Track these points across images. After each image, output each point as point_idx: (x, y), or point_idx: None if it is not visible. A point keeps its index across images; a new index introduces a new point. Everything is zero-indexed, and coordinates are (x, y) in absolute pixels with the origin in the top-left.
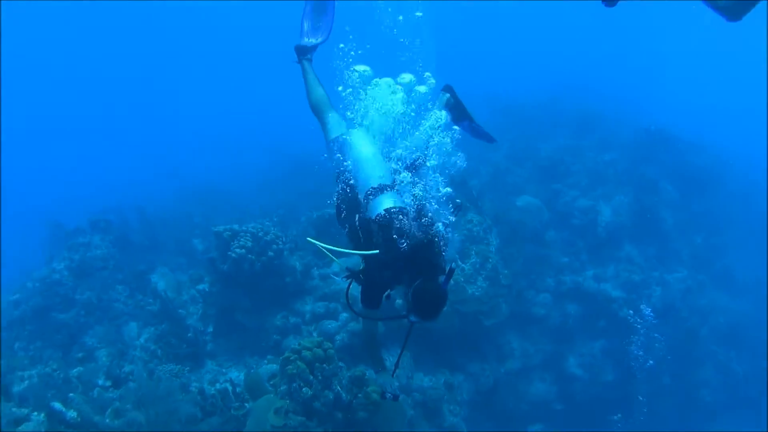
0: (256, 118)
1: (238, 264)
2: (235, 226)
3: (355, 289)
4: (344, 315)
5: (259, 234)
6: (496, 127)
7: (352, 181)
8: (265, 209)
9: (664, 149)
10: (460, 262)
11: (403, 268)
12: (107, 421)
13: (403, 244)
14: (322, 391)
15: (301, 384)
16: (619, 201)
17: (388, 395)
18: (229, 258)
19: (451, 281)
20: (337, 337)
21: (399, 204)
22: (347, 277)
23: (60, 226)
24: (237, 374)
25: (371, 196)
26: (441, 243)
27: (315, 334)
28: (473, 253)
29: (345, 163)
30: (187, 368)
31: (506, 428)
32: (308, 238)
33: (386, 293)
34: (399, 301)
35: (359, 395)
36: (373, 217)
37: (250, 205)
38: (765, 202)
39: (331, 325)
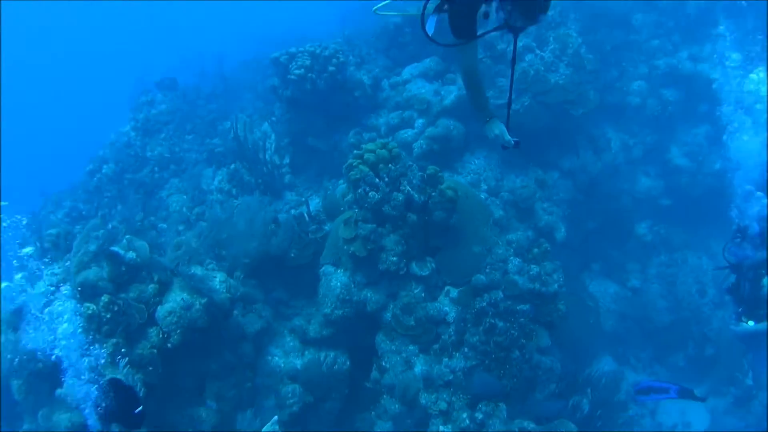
0: None
1: (299, 85)
2: (292, 49)
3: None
4: (420, 121)
5: (317, 51)
6: None
7: None
8: (331, 34)
9: None
10: None
11: None
12: (166, 256)
13: None
14: (390, 194)
15: (367, 188)
16: None
17: (510, 142)
18: (289, 82)
19: (531, 70)
20: (415, 145)
21: None
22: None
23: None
24: (318, 201)
25: None
26: None
27: None
28: (551, 38)
29: None
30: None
31: (611, 227)
32: (374, 9)
33: (482, 11)
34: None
35: (433, 194)
36: None
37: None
38: None
39: (407, 133)
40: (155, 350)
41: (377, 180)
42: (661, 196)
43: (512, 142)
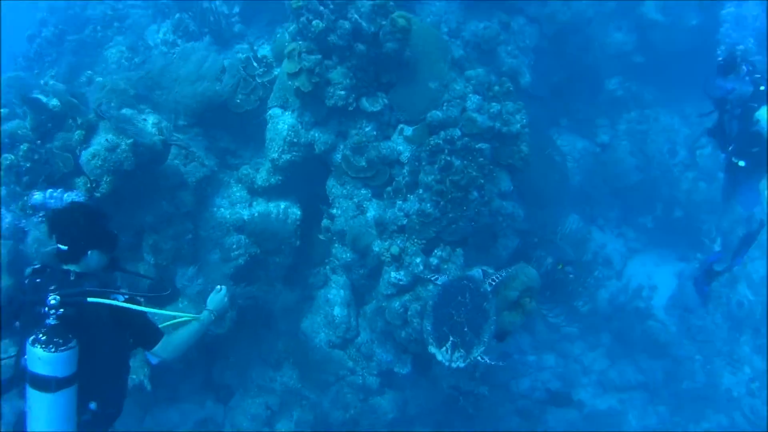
0: None
1: None
2: None
3: None
4: None
5: None
6: None
7: None
8: None
9: None
10: None
11: None
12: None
13: None
14: (335, 22)
15: (310, 16)
16: None
17: None
18: None
19: None
20: None
21: None
22: None
23: None
24: (268, 49)
25: None
26: None
27: None
28: None
29: None
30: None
31: (580, 81)
32: None
33: None
34: None
35: (384, 23)
36: None
37: None
38: None
39: None
40: None
41: (321, 7)
42: (634, 52)
43: None
